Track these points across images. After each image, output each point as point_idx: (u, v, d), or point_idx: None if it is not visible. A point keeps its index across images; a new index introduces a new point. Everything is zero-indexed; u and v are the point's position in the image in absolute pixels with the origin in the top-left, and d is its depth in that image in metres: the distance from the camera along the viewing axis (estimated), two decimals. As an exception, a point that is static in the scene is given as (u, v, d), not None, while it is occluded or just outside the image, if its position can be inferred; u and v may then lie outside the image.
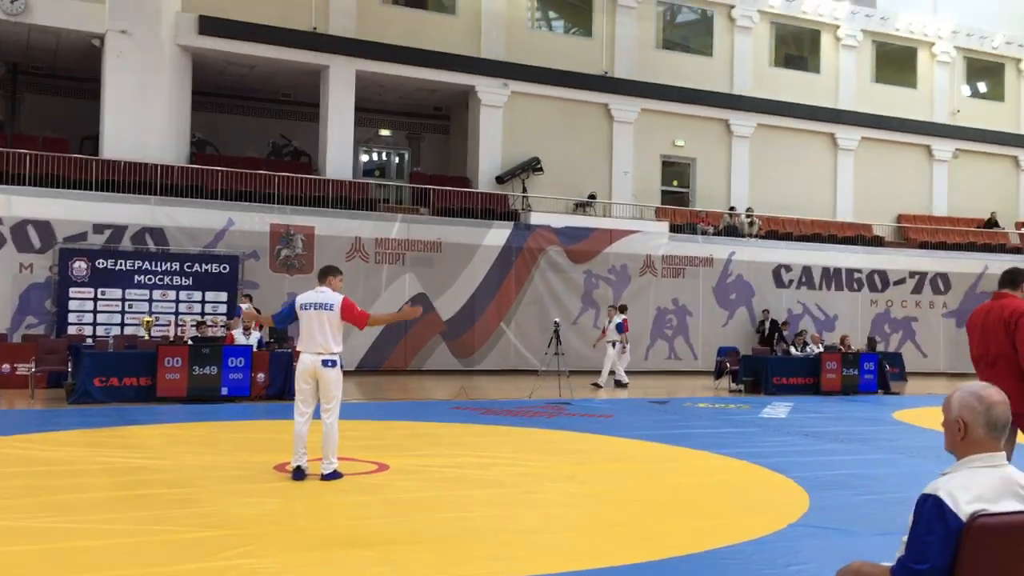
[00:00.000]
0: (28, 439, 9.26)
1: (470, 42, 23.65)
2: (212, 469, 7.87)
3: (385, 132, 26.37)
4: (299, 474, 7.47)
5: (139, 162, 19.26)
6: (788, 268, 24.91)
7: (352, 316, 7.68)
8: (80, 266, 17.77)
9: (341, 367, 7.75)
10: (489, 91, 23.63)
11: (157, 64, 20.27)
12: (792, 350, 19.60)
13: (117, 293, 18.06)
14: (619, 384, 18.64)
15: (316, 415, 7.65)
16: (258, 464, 8.11)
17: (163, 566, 4.81)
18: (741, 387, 18.50)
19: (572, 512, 6.61)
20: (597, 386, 18.29)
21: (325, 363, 7.57)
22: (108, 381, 13.21)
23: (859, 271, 25.79)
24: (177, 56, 20.72)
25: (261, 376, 14.32)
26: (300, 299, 7.80)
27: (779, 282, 24.77)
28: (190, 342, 14.28)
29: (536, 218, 22.30)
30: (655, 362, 23.16)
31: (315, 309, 7.63)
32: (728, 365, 19.21)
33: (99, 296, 17.96)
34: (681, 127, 26.15)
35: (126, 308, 18.12)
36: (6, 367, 15.10)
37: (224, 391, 13.80)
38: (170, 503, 6.41)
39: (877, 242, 26.90)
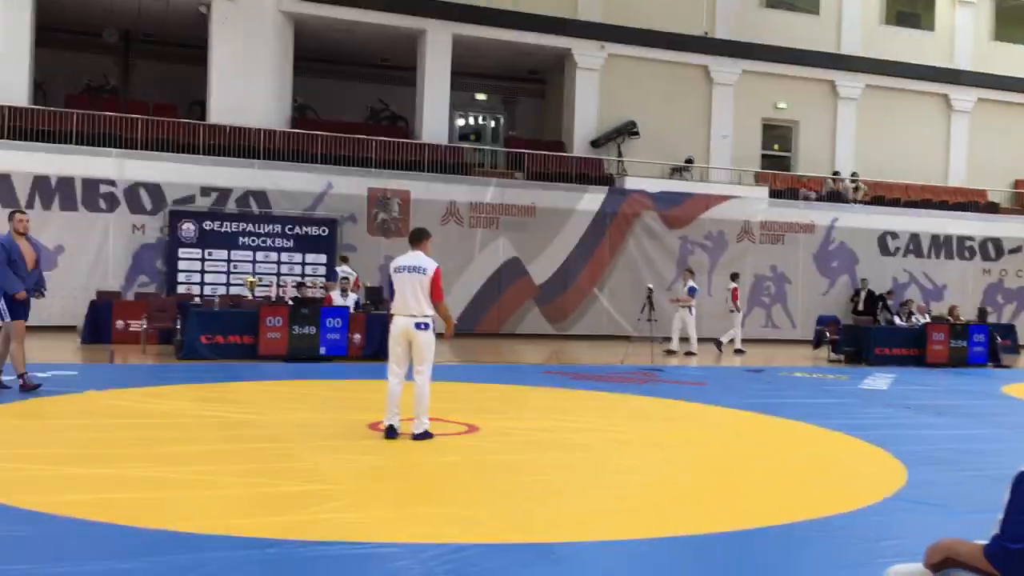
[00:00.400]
0: (140, 392, 9.71)
1: (566, 4, 23.41)
2: (309, 426, 8.11)
3: (481, 96, 26.41)
4: (391, 433, 7.64)
5: (243, 127, 19.78)
6: (895, 235, 24.05)
7: (436, 287, 7.75)
8: (188, 227, 18.43)
9: (434, 330, 7.86)
10: (585, 54, 23.38)
11: (261, 30, 20.73)
12: (896, 320, 18.97)
13: (223, 254, 18.69)
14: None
15: (408, 376, 7.79)
16: (353, 422, 8.32)
17: (259, 517, 5.00)
18: (841, 357, 18.03)
19: (655, 479, 6.58)
20: (671, 352, 18.03)
21: (418, 326, 7.69)
22: (214, 338, 13.72)
23: (971, 239, 24.72)
24: (280, 22, 21.14)
25: (358, 337, 14.63)
26: (394, 263, 7.93)
27: (884, 250, 23.96)
28: (290, 302, 14.69)
29: (631, 183, 22.06)
30: (752, 330, 22.66)
31: (408, 272, 7.74)
32: (828, 334, 18.74)
33: (206, 257, 18.62)
34: (784, 89, 25.42)
35: (231, 269, 18.74)
36: (120, 323, 15.80)
37: (322, 350, 14.16)
38: (270, 457, 6.64)
39: (992, 208, 25.71)
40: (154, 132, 18.98)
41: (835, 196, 24.34)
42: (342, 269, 16.51)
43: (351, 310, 14.95)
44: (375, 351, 14.69)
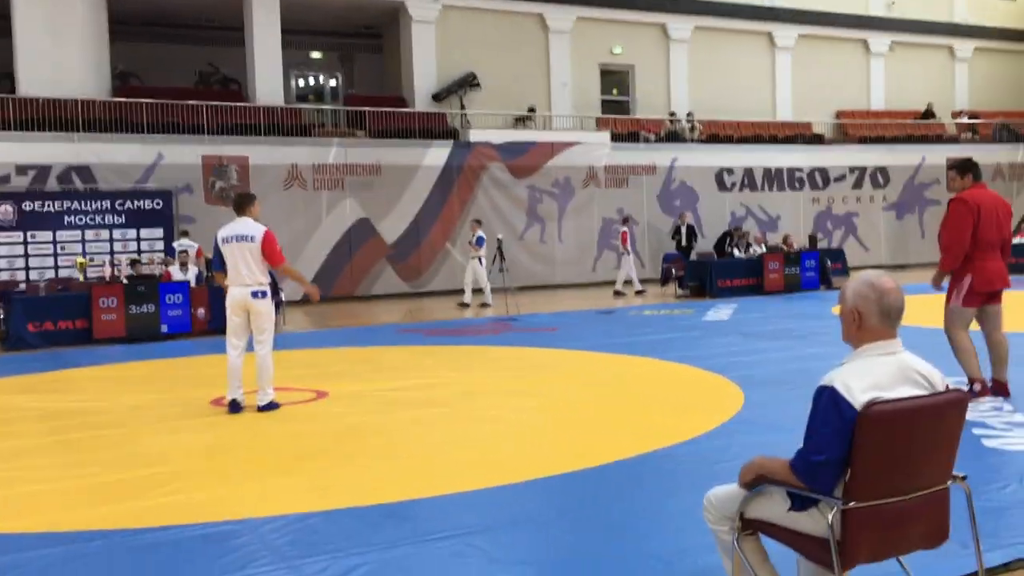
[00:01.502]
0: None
1: (396, -45, 22.90)
2: (148, 408, 7.76)
3: (316, 54, 25.65)
4: (235, 407, 7.40)
5: (58, 98, 18.52)
6: (730, 171, 24.96)
7: (271, 252, 7.49)
8: (6, 210, 17.21)
9: (271, 298, 7.63)
10: (419, 6, 22.99)
11: (67, -6, 19.36)
12: (735, 252, 19.77)
13: (47, 236, 17.56)
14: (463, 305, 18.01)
15: (250, 348, 7.55)
16: (195, 399, 8.02)
17: (86, 509, 4.73)
18: (687, 292, 18.70)
19: (508, 427, 6.63)
20: (464, 305, 17.80)
21: (255, 294, 7.45)
22: (42, 326, 12.92)
23: (800, 170, 25.94)
24: (88, -15, 19.79)
25: (201, 311, 14.09)
26: (221, 233, 7.61)
27: (722, 186, 24.85)
28: (125, 281, 13.98)
29: (476, 135, 21.97)
30: (603, 273, 23.18)
31: (237, 241, 7.45)
32: (674, 271, 19.37)
33: (29, 240, 17.46)
34: (618, 34, 25.76)
35: (58, 251, 17.65)
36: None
37: (164, 328, 13.58)
38: (102, 445, 6.31)
39: (817, 140, 27.02)
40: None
41: (673, 137, 25.01)
42: (179, 243, 15.80)
43: (192, 284, 14.37)
44: (221, 325, 14.19)
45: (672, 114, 25.63)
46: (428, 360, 10.14)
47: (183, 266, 14.93)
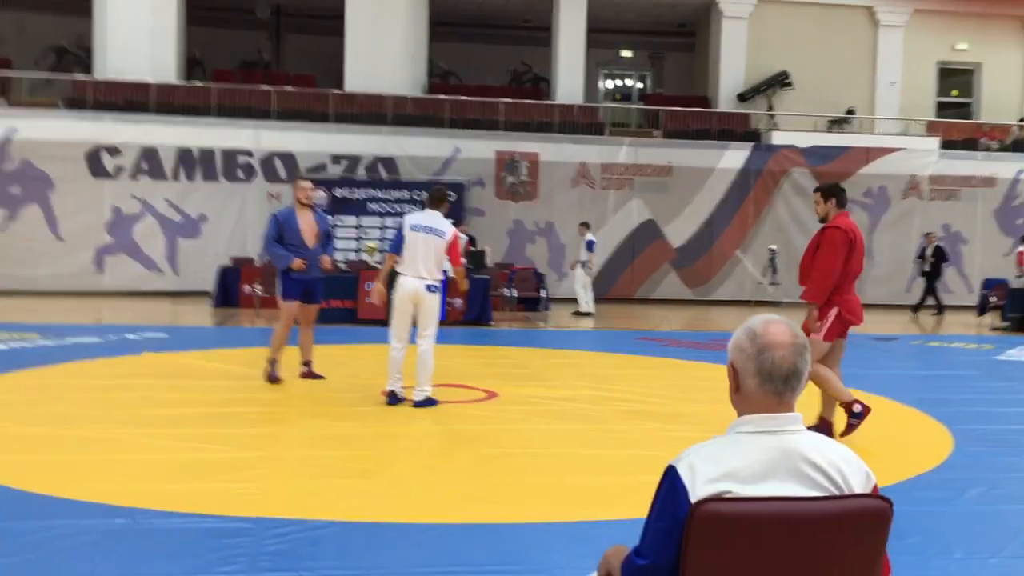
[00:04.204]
0: (208, 354, 9.94)
1: (712, -51, 22.06)
2: (335, 391, 7.96)
3: (627, 53, 25.48)
4: (394, 399, 7.39)
5: (374, 94, 20.02)
6: (1094, 188, 21.16)
7: (455, 253, 7.54)
8: (320, 195, 18.85)
9: (441, 293, 7.56)
10: (732, 1, 21.95)
11: (393, -2, 20.86)
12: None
13: (352, 220, 19.06)
14: (579, 314, 16.64)
15: (412, 340, 7.50)
16: (378, 387, 8.08)
17: (147, 483, 4.86)
18: (1007, 324, 16.08)
19: (649, 454, 5.90)
20: (579, 314, 16.54)
21: (429, 288, 7.38)
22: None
23: None
24: (412, -13, 21.18)
25: (459, 301, 14.48)
26: (410, 220, 7.57)
27: (1081, 204, 21.13)
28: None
29: (779, 137, 20.57)
30: (920, 294, 20.73)
31: (425, 232, 7.42)
32: (993, 299, 16.76)
33: (337, 223, 19.03)
34: (964, 28, 22.83)
35: (361, 235, 19.09)
36: (247, 288, 16.44)
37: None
38: (247, 422, 6.57)
39: None
40: (288, 102, 19.56)
41: (1022, 146, 21.69)
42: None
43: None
44: (477, 316, 14.60)
45: (1022, 119, 22.25)
46: (630, 373, 9.51)
47: (453, 256, 15.44)
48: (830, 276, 6.24)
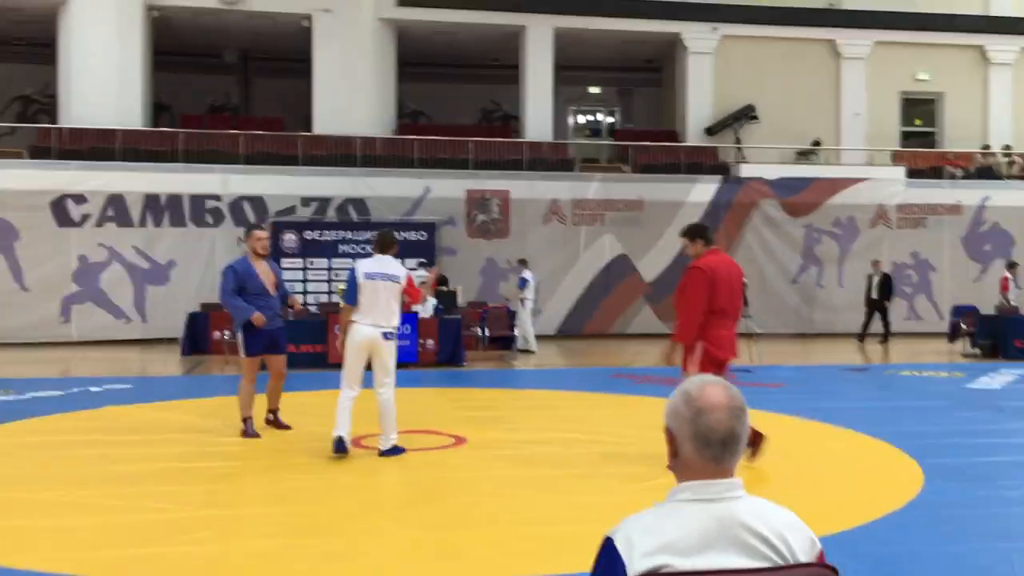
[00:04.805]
0: (172, 405, 9.75)
1: (674, -14, 22.33)
2: (300, 440, 7.80)
3: (595, 89, 25.68)
4: (341, 446, 7.06)
5: (343, 135, 20.01)
6: (1058, 212, 21.42)
7: (413, 292, 7.54)
8: (290, 238, 18.80)
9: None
10: (696, 37, 22.22)
11: (360, 39, 20.94)
12: (1045, 307, 16.79)
13: (324, 263, 18.94)
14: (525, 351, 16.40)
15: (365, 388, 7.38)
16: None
17: (88, 551, 4.69)
18: (978, 351, 16.16)
19: (608, 500, 5.82)
20: (524, 351, 16.34)
21: (386, 335, 7.29)
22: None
23: None
24: (379, 29, 21.28)
25: (430, 343, 14.37)
26: (363, 268, 7.43)
27: (1046, 229, 21.38)
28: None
29: (747, 170, 20.72)
30: (894, 322, 20.80)
31: (382, 279, 7.30)
32: (964, 326, 16.84)
33: (308, 266, 18.93)
34: (924, 58, 23.21)
35: (332, 277, 18.95)
36: (217, 334, 16.22)
37: (393, 357, 13.95)
38: (203, 478, 6.40)
39: None
40: (256, 146, 19.51)
41: (986, 173, 21.97)
42: (416, 274, 16.21)
43: (428, 315, 14.72)
44: (450, 356, 14.46)
45: (985, 147, 22.57)
46: (605, 411, 9.43)
47: (423, 297, 15.34)
48: (693, 315, 6.41)
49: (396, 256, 7.55)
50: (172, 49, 22.03)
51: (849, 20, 22.62)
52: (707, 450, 1.83)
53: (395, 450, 7.18)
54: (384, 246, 7.52)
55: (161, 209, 18.43)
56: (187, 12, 20.80)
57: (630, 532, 1.79)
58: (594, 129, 26.17)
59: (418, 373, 13.30)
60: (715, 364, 6.46)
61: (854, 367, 14.05)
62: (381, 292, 7.28)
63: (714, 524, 1.79)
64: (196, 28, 21.74)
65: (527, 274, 16.92)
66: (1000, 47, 23.16)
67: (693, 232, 6.75)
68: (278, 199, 18.87)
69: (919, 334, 20.51)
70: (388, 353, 7.28)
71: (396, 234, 7.90)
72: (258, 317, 7.90)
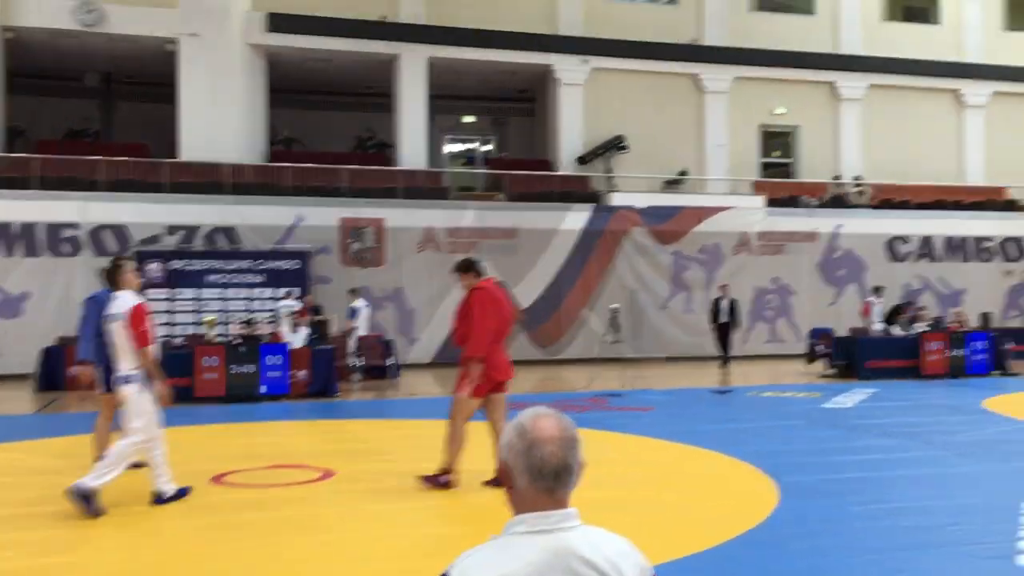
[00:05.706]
0: (21, 446, 9.24)
1: (546, 19, 22.83)
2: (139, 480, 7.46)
3: (469, 119, 25.91)
4: (182, 492, 6.68)
5: (211, 162, 19.52)
6: (905, 239, 22.83)
7: (137, 332, 6.31)
8: (155, 267, 18.15)
9: (143, 385, 6.42)
10: (567, 69, 22.75)
11: (228, 64, 20.52)
12: (896, 329, 17.80)
13: (191, 293, 18.36)
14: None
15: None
16: (200, 473, 7.65)
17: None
18: (834, 371, 16.98)
19: (479, 530, 5.81)
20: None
21: (125, 380, 6.41)
22: (148, 382, 13.28)
23: (990, 239, 23.37)
24: (248, 55, 20.92)
25: (303, 373, 14.11)
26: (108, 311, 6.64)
27: (894, 255, 22.73)
28: (224, 340, 14.23)
29: (618, 199, 21.27)
30: (755, 345, 21.70)
31: (110, 319, 6.49)
32: (821, 348, 17.69)
33: (174, 297, 18.31)
34: (781, 94, 24.43)
35: (199, 308, 18.39)
36: (73, 369, 15.48)
37: (263, 389, 13.66)
38: (63, 522, 6.05)
39: (1011, 207, 24.29)
40: (118, 173, 18.81)
41: (838, 202, 23.23)
42: (283, 304, 15.90)
43: (300, 345, 14.45)
44: (322, 388, 14.18)
45: (837, 177, 23.86)
46: (478, 439, 9.41)
47: (296, 327, 15.06)
48: (483, 330, 6.78)
49: (130, 285, 6.65)
50: (28, 71, 21.09)
51: (711, 56, 23.58)
52: (541, 482, 1.87)
53: (86, 499, 6.17)
54: (109, 278, 6.68)
55: (13, 238, 17.53)
56: (44, 34, 19.97)
57: (466, 567, 1.81)
58: (469, 158, 26.36)
59: (288, 406, 13.04)
60: (490, 386, 6.86)
61: (719, 389, 14.54)
62: (111, 334, 6.49)
63: (549, 556, 1.83)
64: (55, 50, 20.87)
65: (359, 303, 16.73)
66: (849, 83, 24.60)
67: (465, 267, 7.16)
68: (142, 227, 18.25)
69: (780, 356, 21.44)
70: (127, 398, 6.49)
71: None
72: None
